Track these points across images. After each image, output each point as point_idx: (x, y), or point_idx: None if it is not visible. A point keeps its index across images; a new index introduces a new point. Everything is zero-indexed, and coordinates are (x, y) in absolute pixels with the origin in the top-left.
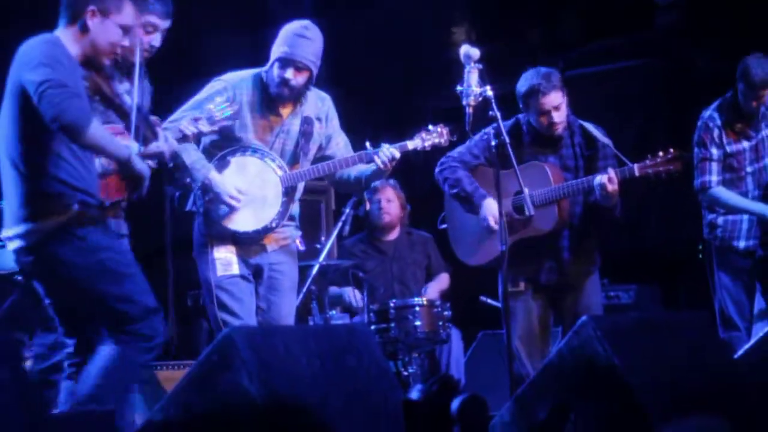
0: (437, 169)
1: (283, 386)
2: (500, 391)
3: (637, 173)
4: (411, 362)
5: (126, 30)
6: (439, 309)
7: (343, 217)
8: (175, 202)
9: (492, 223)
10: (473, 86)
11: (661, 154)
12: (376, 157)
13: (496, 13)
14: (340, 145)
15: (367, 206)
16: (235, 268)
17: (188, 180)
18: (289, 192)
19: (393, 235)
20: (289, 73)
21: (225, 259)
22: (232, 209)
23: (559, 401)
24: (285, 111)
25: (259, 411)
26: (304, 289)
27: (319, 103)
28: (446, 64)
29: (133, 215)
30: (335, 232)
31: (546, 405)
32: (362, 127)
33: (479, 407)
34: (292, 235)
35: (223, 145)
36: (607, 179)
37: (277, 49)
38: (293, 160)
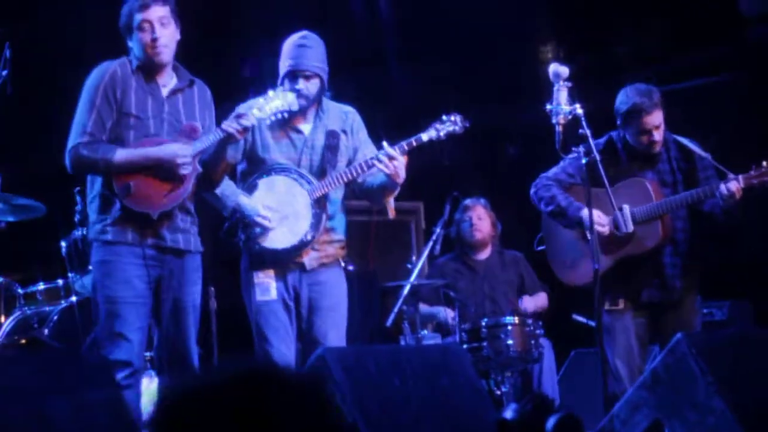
0: (532, 190)
1: (375, 407)
2: (593, 410)
3: (742, 184)
4: (503, 381)
5: None
6: (531, 327)
7: (434, 237)
8: (223, 234)
9: (598, 228)
10: (563, 104)
11: (765, 164)
12: (376, 162)
13: (582, 28)
14: (368, 156)
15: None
16: (274, 293)
17: (221, 209)
18: (319, 203)
19: (484, 254)
20: (300, 84)
21: (264, 284)
22: (266, 229)
23: (654, 419)
24: (305, 127)
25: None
26: (396, 309)
27: (343, 116)
28: (535, 82)
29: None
30: (426, 252)
31: (641, 423)
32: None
33: (574, 426)
34: (335, 253)
35: (252, 170)
36: (734, 186)
37: (283, 65)
38: (321, 174)
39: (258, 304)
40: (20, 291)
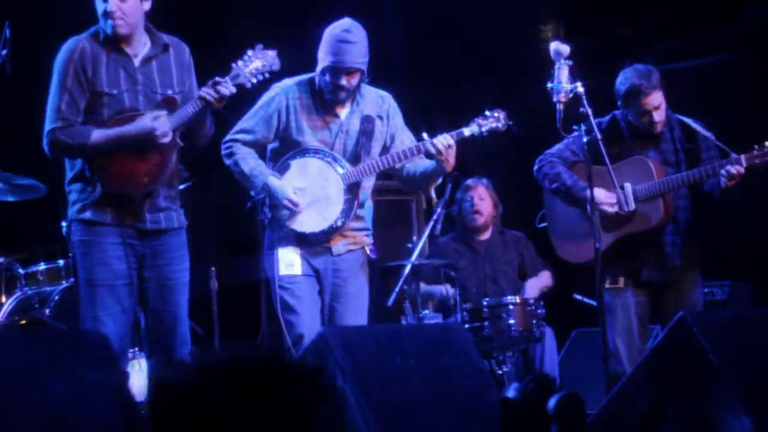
0: (535, 167)
1: (376, 386)
2: (595, 390)
3: (744, 163)
4: (505, 361)
5: None
6: (533, 307)
7: (435, 216)
8: (249, 211)
9: (606, 207)
10: (564, 83)
11: (767, 143)
12: (430, 146)
13: (584, 7)
14: (405, 142)
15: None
16: (298, 269)
17: (249, 187)
18: (352, 189)
19: (485, 235)
20: (342, 80)
21: (288, 259)
22: (294, 212)
23: (657, 398)
24: (342, 111)
25: (353, 411)
26: (397, 289)
27: (379, 101)
28: (536, 61)
29: (224, 216)
30: (427, 232)
31: (643, 402)
32: (450, 124)
33: (576, 406)
34: (362, 241)
35: (284, 151)
36: (737, 169)
37: (325, 58)
38: (355, 159)
39: (283, 278)
40: (21, 271)
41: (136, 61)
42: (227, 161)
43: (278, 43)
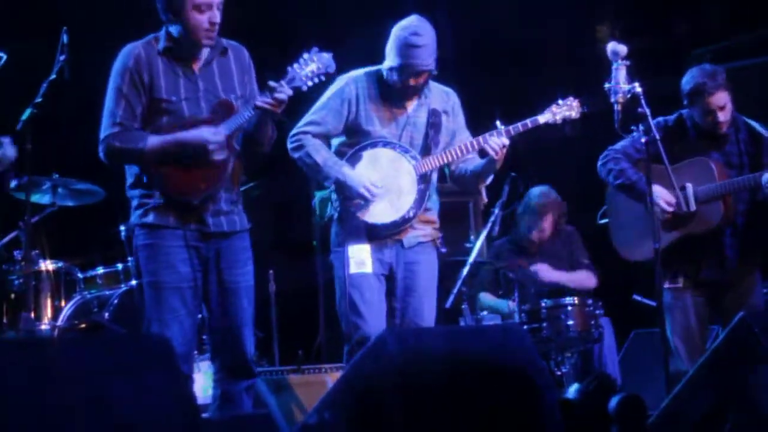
0: (600, 162)
1: (433, 387)
2: (654, 390)
3: None
4: (564, 362)
5: None
6: (591, 308)
7: (493, 218)
8: (316, 210)
9: (664, 204)
10: (621, 83)
11: None
12: (486, 146)
13: (641, 7)
14: (464, 139)
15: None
16: (369, 267)
17: (322, 179)
18: (424, 179)
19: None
20: (410, 81)
21: (359, 258)
22: (368, 202)
23: (717, 399)
24: (410, 104)
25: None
26: (455, 291)
27: (444, 97)
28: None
29: (282, 219)
30: (485, 233)
31: (704, 403)
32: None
33: (637, 406)
34: (432, 233)
35: (353, 143)
36: None
37: (393, 58)
38: (425, 152)
39: (353, 277)
40: (80, 275)
41: (196, 67)
42: (296, 154)
43: (337, 43)
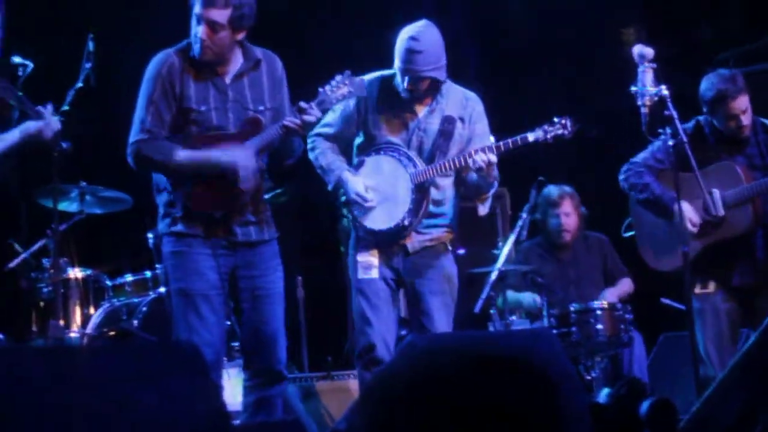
0: (621, 176)
1: (461, 393)
2: (683, 394)
3: None
4: (593, 366)
5: None
6: (621, 312)
7: (520, 222)
8: (344, 215)
9: (689, 226)
10: (648, 86)
11: None
12: (470, 160)
13: (664, 10)
14: (479, 145)
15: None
16: (375, 273)
17: (327, 182)
18: (420, 189)
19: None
20: (412, 84)
21: (366, 262)
22: (367, 208)
23: (749, 401)
24: (420, 109)
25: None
26: (483, 296)
27: (463, 103)
28: (618, 64)
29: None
30: (513, 238)
31: (735, 406)
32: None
33: (668, 411)
34: (439, 237)
35: (365, 146)
36: None
37: (396, 61)
38: (430, 159)
39: (360, 282)
40: (108, 283)
41: (227, 78)
42: (310, 155)
43: (359, 45)
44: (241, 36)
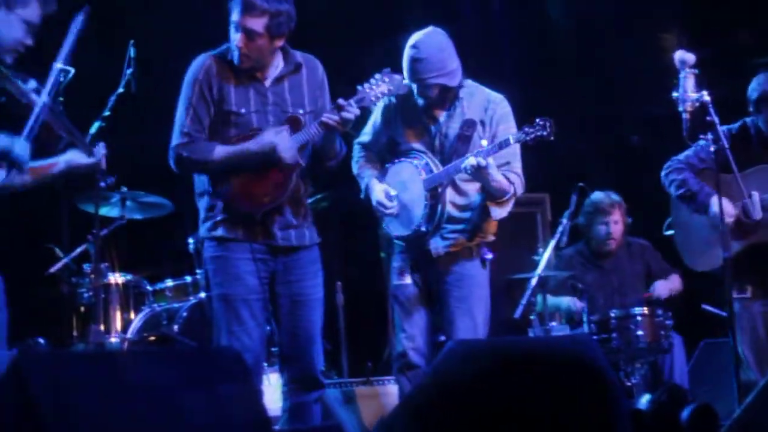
0: (663, 173)
1: (503, 398)
2: (725, 400)
3: None
4: (633, 372)
5: (31, 27)
6: (661, 318)
7: (561, 228)
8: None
9: (726, 219)
10: (689, 92)
11: None
12: (462, 167)
13: (706, 15)
14: (501, 154)
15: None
16: (408, 278)
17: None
18: (433, 195)
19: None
20: (421, 92)
21: (400, 268)
22: (389, 215)
23: None
24: (440, 113)
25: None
26: (524, 302)
27: (484, 105)
28: (658, 70)
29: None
30: (553, 244)
31: None
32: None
33: (709, 417)
34: (462, 242)
35: (393, 153)
36: None
37: (404, 70)
38: (449, 163)
39: (393, 288)
40: (149, 288)
41: (267, 82)
42: (352, 162)
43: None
44: (279, 42)
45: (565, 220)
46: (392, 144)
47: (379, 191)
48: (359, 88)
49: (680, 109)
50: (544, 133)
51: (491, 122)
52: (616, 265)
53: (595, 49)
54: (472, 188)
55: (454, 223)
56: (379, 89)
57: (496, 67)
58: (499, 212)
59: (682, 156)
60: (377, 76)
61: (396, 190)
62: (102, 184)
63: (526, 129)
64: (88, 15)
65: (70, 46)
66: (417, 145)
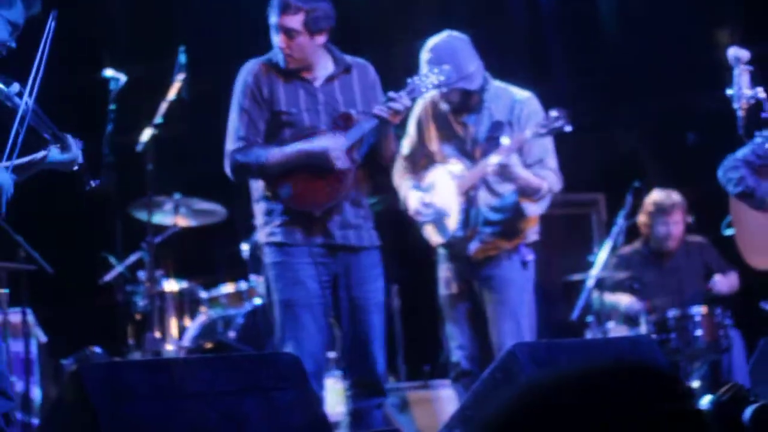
0: (720, 171)
1: (567, 401)
2: None
3: None
4: (693, 373)
5: (15, 29)
6: (720, 317)
7: (616, 228)
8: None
9: None
10: (744, 89)
11: None
12: (488, 167)
13: (760, 11)
14: (533, 152)
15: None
16: (454, 287)
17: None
18: (467, 197)
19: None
20: (444, 97)
21: (445, 278)
22: (426, 223)
23: None
24: (467, 116)
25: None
26: (581, 303)
27: (512, 105)
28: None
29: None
30: (609, 244)
31: None
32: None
33: None
34: (500, 246)
35: (427, 161)
36: None
37: None
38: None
39: (441, 297)
40: (204, 295)
41: (317, 83)
42: None
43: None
44: (321, 39)
45: (621, 220)
46: (426, 152)
47: (414, 200)
48: (409, 81)
49: (735, 106)
50: (560, 125)
51: (519, 121)
52: (676, 265)
53: (650, 45)
54: (507, 189)
55: (491, 226)
56: (429, 80)
57: (545, 65)
58: (534, 209)
59: (739, 153)
60: (426, 68)
61: (431, 196)
62: (87, 187)
63: (542, 123)
64: (56, 19)
65: (46, 52)
66: (449, 151)
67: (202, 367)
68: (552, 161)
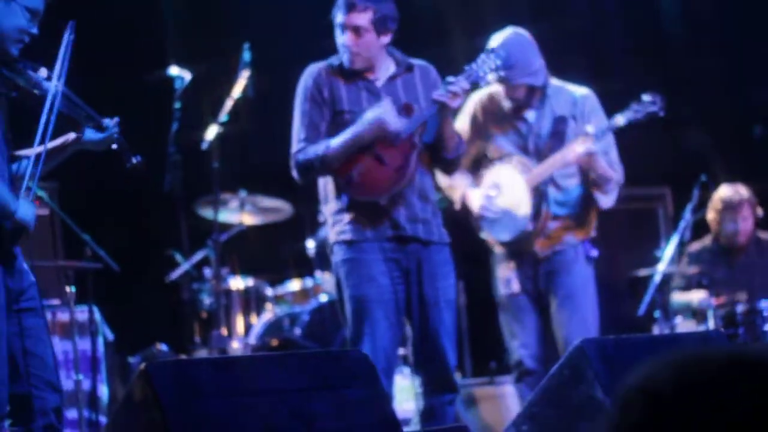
0: None
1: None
2: None
3: None
4: None
5: (35, 15)
6: None
7: (684, 223)
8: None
9: None
10: None
11: None
12: (569, 153)
13: None
14: (598, 144)
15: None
16: (515, 287)
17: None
18: (537, 192)
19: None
20: (508, 93)
21: (505, 278)
22: (491, 221)
23: None
24: (530, 114)
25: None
26: (648, 298)
27: (573, 100)
28: None
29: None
30: (676, 239)
31: None
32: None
33: None
34: (567, 240)
35: (486, 159)
36: None
37: None
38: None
39: (502, 298)
40: (270, 292)
41: (379, 82)
42: None
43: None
44: (386, 39)
45: (688, 215)
46: (484, 150)
47: (478, 198)
48: (466, 67)
49: None
50: (655, 109)
51: (582, 116)
52: (747, 262)
53: (715, 38)
54: (572, 183)
55: (558, 221)
56: (486, 65)
57: (607, 62)
58: (606, 201)
59: None
60: (483, 55)
61: (495, 193)
62: (128, 165)
63: (635, 107)
64: (74, 29)
65: (66, 63)
66: (509, 148)
67: (271, 365)
68: (615, 155)
